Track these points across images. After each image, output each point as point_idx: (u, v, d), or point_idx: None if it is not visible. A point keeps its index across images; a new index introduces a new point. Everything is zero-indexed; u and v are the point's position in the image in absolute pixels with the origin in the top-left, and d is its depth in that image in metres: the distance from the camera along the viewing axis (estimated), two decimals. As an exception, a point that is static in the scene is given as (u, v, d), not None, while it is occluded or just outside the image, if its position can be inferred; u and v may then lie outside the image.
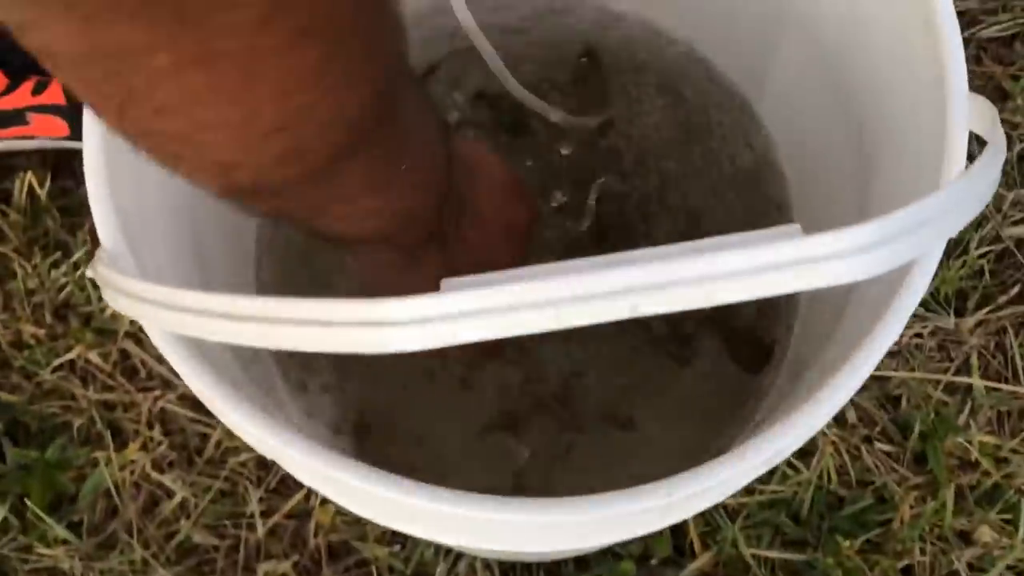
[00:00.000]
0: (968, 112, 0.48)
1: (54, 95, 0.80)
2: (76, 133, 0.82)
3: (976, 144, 0.46)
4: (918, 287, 0.47)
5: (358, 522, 0.75)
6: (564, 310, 0.34)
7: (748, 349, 0.70)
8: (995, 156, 0.43)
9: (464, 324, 0.34)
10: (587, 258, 0.35)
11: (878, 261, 0.35)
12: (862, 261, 0.35)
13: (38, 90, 0.80)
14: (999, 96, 0.88)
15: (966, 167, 0.47)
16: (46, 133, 0.82)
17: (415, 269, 0.49)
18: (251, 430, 0.43)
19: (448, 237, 0.49)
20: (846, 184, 0.60)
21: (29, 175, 0.83)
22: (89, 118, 0.49)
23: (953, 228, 0.40)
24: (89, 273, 0.47)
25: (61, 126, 0.82)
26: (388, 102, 0.35)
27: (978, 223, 0.84)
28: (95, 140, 0.48)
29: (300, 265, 0.71)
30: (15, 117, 0.81)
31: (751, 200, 0.72)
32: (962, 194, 0.40)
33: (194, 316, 0.39)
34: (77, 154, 0.84)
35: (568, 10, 0.74)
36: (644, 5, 0.72)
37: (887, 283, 0.47)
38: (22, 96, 0.79)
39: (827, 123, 0.61)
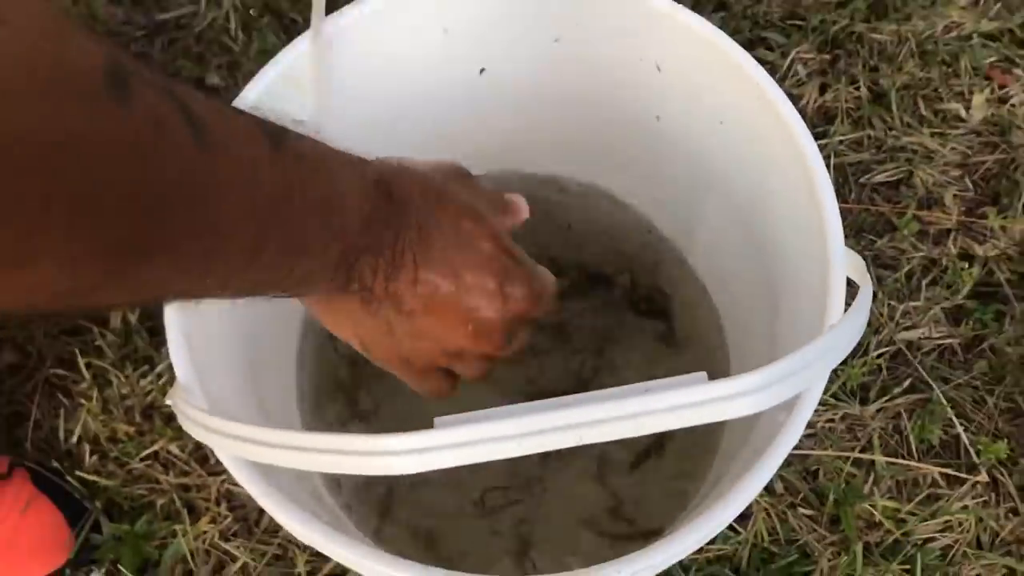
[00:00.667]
0: (845, 262, 0.50)
1: None
2: None
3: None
4: (804, 414, 0.47)
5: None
6: (526, 442, 0.36)
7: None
8: (865, 298, 0.46)
9: (449, 454, 0.36)
10: (543, 400, 0.37)
11: (767, 399, 0.37)
12: (754, 399, 0.37)
13: None
14: (888, 228, 0.89)
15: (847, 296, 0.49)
16: None
17: (367, 309, 0.43)
18: (292, 526, 0.45)
19: (394, 267, 0.41)
20: (761, 319, 0.61)
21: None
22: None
23: (833, 363, 0.42)
24: (168, 401, 0.49)
25: None
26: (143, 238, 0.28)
27: (876, 329, 0.85)
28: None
29: (337, 376, 0.73)
30: None
31: (690, 333, 0.74)
32: (839, 337, 0.42)
33: (245, 443, 0.41)
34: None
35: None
36: (600, 176, 0.74)
37: (784, 406, 0.49)
38: None
39: (744, 272, 0.63)
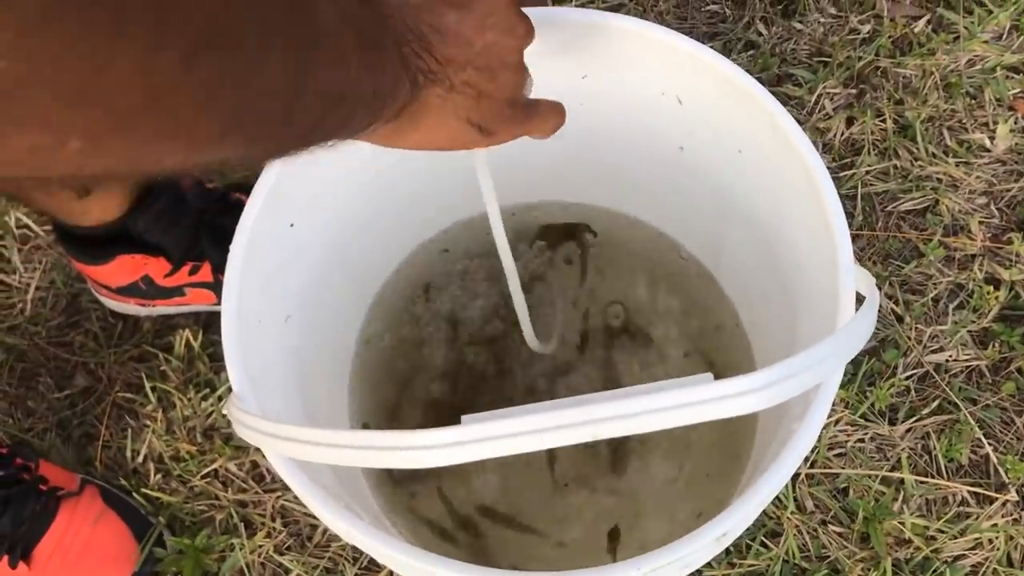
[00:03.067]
0: (855, 278, 0.52)
1: (205, 275, 0.84)
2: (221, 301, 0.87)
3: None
4: (823, 405, 0.49)
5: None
6: (546, 436, 0.39)
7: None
8: (870, 308, 0.48)
9: (475, 448, 0.38)
10: (560, 399, 0.40)
11: (768, 398, 0.39)
12: (756, 398, 0.39)
13: (193, 272, 0.84)
14: (915, 255, 0.91)
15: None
16: (199, 302, 0.88)
17: (448, 92, 0.45)
18: (335, 523, 0.48)
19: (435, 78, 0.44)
20: (781, 327, 0.63)
21: (187, 332, 0.89)
22: (226, 300, 0.55)
23: (835, 366, 0.44)
24: (224, 411, 0.52)
25: (210, 296, 0.87)
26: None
27: (904, 352, 0.86)
28: (230, 316, 0.53)
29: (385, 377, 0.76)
30: (176, 291, 0.86)
31: (718, 344, 0.76)
32: (840, 342, 0.44)
33: (291, 443, 0.44)
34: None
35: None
36: (628, 203, 0.77)
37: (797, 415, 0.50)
38: (181, 276, 0.84)
39: (765, 289, 0.65)
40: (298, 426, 0.43)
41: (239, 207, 0.84)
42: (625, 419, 0.38)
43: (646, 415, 0.38)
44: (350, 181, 0.65)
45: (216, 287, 0.85)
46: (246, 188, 0.87)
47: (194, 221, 0.82)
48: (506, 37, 0.48)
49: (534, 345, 0.70)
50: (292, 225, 0.60)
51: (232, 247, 0.55)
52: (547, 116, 0.54)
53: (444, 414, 0.76)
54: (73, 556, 0.77)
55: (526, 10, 0.50)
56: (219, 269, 0.83)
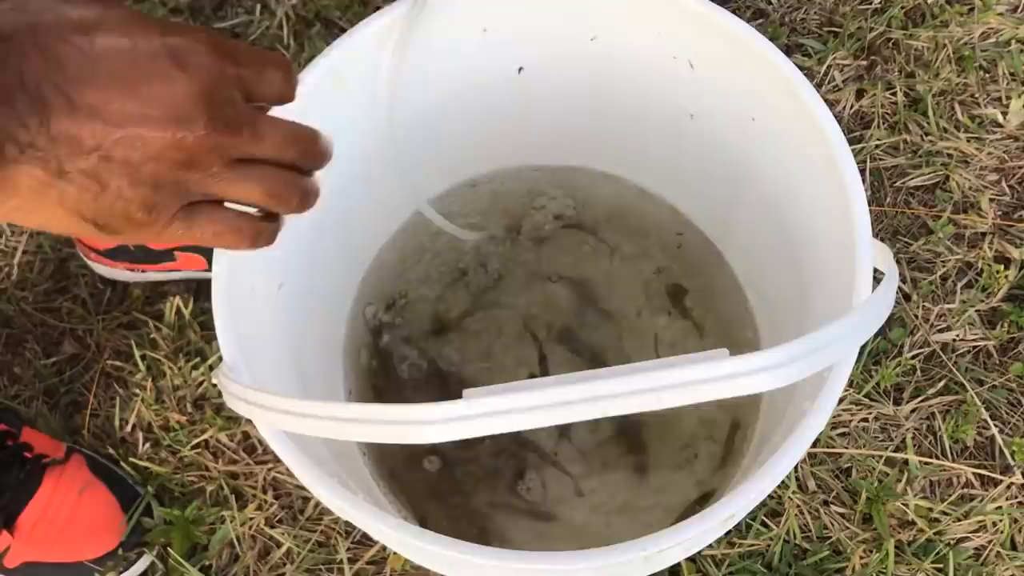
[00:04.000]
0: (872, 252, 0.50)
1: None
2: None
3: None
4: (837, 385, 0.48)
5: (422, 568, 0.76)
6: (552, 413, 0.37)
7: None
8: (889, 285, 0.46)
9: (479, 423, 0.37)
10: (568, 374, 0.38)
11: (785, 375, 0.37)
12: (772, 375, 0.37)
13: None
14: (924, 231, 0.89)
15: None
16: (190, 267, 0.86)
17: (54, 175, 0.35)
18: (329, 499, 0.46)
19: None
20: (791, 306, 0.62)
21: (177, 299, 0.86)
22: (217, 266, 0.53)
23: (853, 344, 0.42)
24: (214, 380, 0.50)
25: (202, 262, 0.85)
26: None
27: (911, 331, 0.85)
28: (221, 283, 0.52)
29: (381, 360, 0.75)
30: (166, 255, 0.84)
31: (729, 317, 0.74)
32: (858, 320, 0.42)
33: (287, 416, 0.42)
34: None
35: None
36: (636, 171, 0.75)
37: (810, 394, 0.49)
38: None
39: (775, 262, 0.64)
40: (293, 398, 0.41)
41: None
42: (636, 395, 0.36)
43: (658, 391, 0.36)
44: (344, 142, 0.63)
45: (207, 251, 0.83)
46: None
47: None
48: (185, 128, 0.36)
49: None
50: (286, 189, 0.58)
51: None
52: (220, 233, 0.41)
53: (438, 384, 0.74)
54: (58, 525, 0.76)
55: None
56: None
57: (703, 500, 0.69)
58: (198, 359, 0.85)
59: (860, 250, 0.49)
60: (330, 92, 0.58)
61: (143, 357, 0.85)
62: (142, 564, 0.78)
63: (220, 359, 0.84)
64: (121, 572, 0.77)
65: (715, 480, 0.70)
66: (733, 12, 0.97)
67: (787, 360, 0.37)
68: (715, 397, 0.36)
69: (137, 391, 0.84)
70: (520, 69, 0.64)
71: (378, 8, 0.97)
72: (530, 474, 0.70)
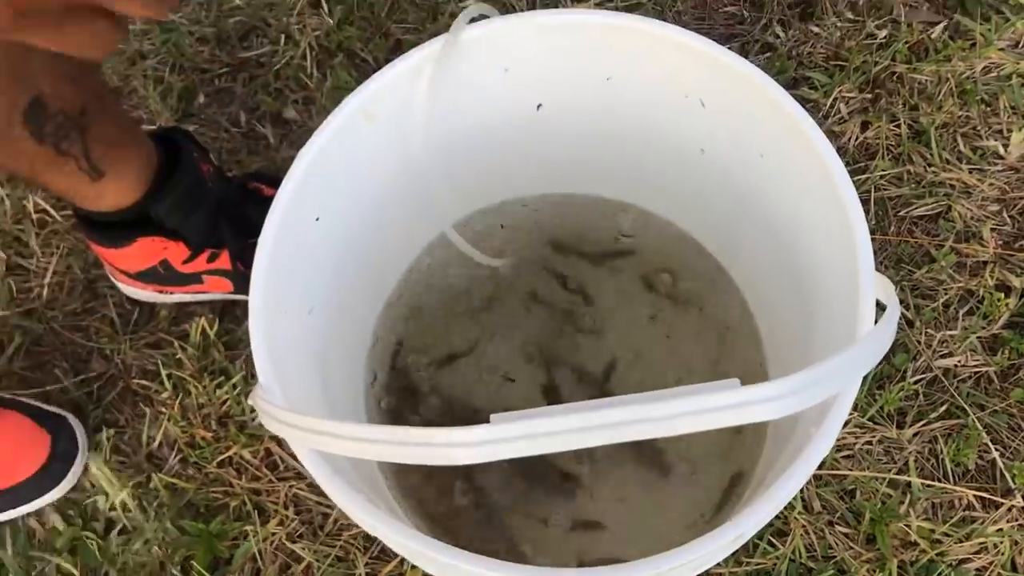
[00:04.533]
0: (874, 285, 0.53)
1: (223, 262, 0.85)
2: (238, 289, 0.88)
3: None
4: (841, 411, 0.50)
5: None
6: (571, 438, 0.39)
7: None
8: (890, 319, 0.48)
9: (505, 446, 0.39)
10: (588, 401, 0.40)
11: (794, 403, 0.40)
12: (782, 404, 0.40)
13: (212, 259, 0.85)
14: (927, 260, 0.91)
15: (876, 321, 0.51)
16: (216, 289, 0.88)
17: None
18: (358, 515, 0.49)
19: None
20: (795, 330, 0.64)
21: (203, 320, 0.89)
22: (254, 293, 0.55)
23: (856, 374, 0.45)
24: (249, 402, 0.53)
25: (228, 285, 0.87)
26: None
27: (913, 356, 0.87)
28: (258, 310, 0.54)
29: (401, 382, 0.77)
30: (194, 277, 0.87)
31: (735, 343, 0.77)
32: (862, 351, 0.44)
33: (319, 436, 0.44)
34: (238, 304, 0.91)
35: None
36: (651, 201, 0.78)
37: (815, 420, 0.51)
38: (199, 263, 0.85)
39: (782, 292, 0.66)
40: (325, 419, 0.44)
41: (256, 196, 0.85)
42: (654, 422, 0.39)
43: (674, 419, 0.39)
44: (370, 172, 0.65)
45: (234, 275, 0.86)
46: (264, 178, 0.88)
47: (213, 208, 0.83)
48: None
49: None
50: (317, 219, 0.61)
51: (260, 240, 0.55)
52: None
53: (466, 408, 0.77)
54: None
55: None
56: (237, 257, 0.84)
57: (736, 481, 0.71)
58: (222, 378, 0.88)
59: (863, 283, 0.52)
60: (360, 125, 0.61)
61: (169, 376, 0.88)
62: (74, 474, 0.83)
63: (243, 378, 0.87)
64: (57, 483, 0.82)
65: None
66: (743, 46, 1.00)
67: (794, 390, 0.39)
68: (725, 424, 0.39)
69: (163, 409, 0.87)
70: (539, 106, 0.67)
71: (398, 40, 1.01)
72: (554, 495, 0.73)
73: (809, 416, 0.56)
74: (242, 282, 0.86)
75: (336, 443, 0.43)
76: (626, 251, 0.79)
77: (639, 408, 0.39)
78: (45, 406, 0.86)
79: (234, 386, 0.87)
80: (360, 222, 0.67)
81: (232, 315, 0.91)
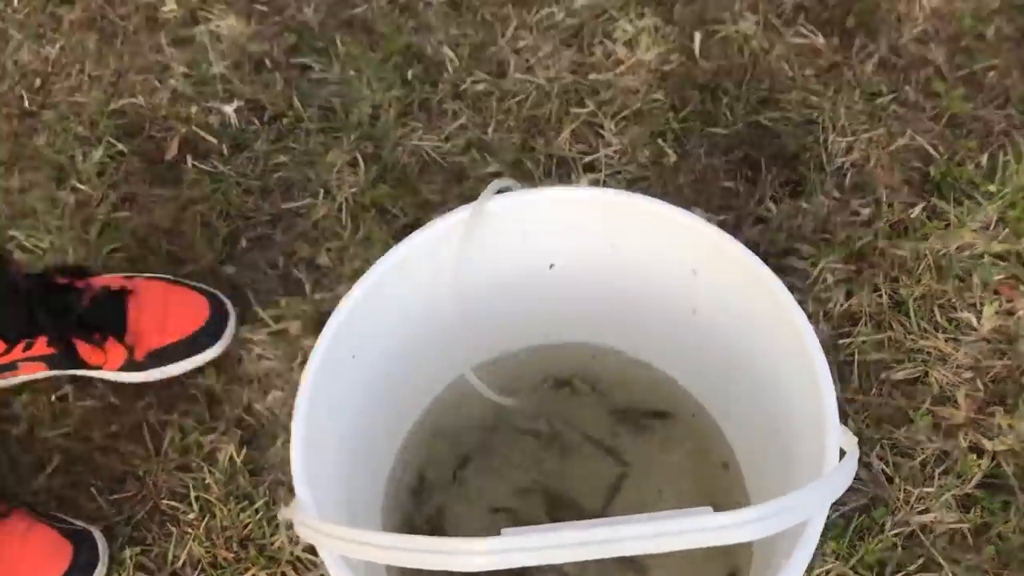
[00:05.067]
0: (838, 436, 0.60)
1: (39, 348, 0.94)
2: (54, 366, 0.97)
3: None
4: (807, 544, 0.57)
5: None
6: (571, 551, 0.46)
7: None
8: (850, 462, 0.55)
9: (513, 556, 0.46)
10: (587, 520, 0.48)
11: (760, 528, 0.47)
12: (751, 528, 0.47)
13: (27, 347, 0.93)
14: (905, 420, 0.98)
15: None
16: (31, 371, 0.97)
17: None
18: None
19: None
20: (776, 472, 0.71)
21: (231, 448, 0.97)
22: (296, 426, 0.63)
23: (816, 507, 0.52)
24: (285, 515, 0.59)
25: (42, 367, 0.96)
26: None
27: (892, 511, 0.93)
28: (300, 441, 0.62)
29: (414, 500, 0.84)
30: (7, 367, 0.96)
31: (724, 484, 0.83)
32: (822, 488, 0.51)
33: (347, 543, 0.51)
34: (264, 433, 0.98)
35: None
36: (649, 353, 0.86)
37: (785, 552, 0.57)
38: (15, 354, 0.94)
39: (764, 438, 0.73)
40: (355, 528, 0.51)
41: (62, 289, 0.94)
42: (638, 540, 0.46)
43: (655, 538, 0.46)
44: (398, 317, 0.74)
45: (51, 358, 0.95)
46: (67, 272, 0.96)
47: (24, 301, 0.91)
48: None
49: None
50: (354, 357, 0.69)
51: (304, 376, 0.64)
52: None
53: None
54: (6, 565, 0.84)
55: None
56: (56, 339, 0.93)
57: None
58: (246, 502, 0.94)
59: (829, 433, 0.59)
60: (396, 275, 0.70)
61: (196, 498, 0.94)
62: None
63: (266, 504, 0.93)
64: None
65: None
66: (737, 218, 1.10)
67: (761, 516, 0.46)
68: (700, 544, 0.46)
69: (189, 530, 0.93)
70: (551, 265, 0.77)
71: (426, 199, 1.11)
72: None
73: (782, 548, 0.62)
74: (59, 361, 0.95)
75: (360, 549, 0.50)
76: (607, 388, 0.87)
77: (627, 528, 0.46)
78: (74, 521, 0.91)
79: (256, 511, 0.93)
80: (386, 357, 0.75)
81: (257, 444, 0.98)
